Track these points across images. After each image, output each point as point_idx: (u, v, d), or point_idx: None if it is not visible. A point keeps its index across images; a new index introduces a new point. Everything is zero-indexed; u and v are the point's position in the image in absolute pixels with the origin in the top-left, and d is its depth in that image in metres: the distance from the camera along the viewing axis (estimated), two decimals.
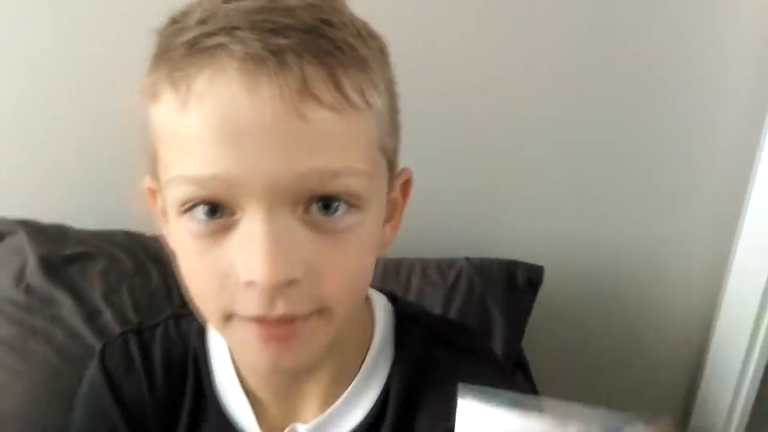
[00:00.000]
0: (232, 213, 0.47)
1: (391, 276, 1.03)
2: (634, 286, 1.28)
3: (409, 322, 0.60)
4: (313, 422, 0.57)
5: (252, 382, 0.59)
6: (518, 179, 1.19)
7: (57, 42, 1.05)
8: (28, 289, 0.93)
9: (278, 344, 0.49)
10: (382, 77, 0.49)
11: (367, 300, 0.61)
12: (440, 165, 1.14)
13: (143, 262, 0.98)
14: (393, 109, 0.52)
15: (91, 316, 0.91)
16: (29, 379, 0.87)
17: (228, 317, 0.50)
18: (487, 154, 1.17)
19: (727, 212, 1.21)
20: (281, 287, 0.46)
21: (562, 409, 0.42)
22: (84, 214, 1.05)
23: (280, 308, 0.47)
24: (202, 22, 0.46)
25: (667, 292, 1.29)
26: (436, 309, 0.99)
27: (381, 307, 0.61)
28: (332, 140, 0.46)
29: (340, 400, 0.58)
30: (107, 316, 0.91)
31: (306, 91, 0.44)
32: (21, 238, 0.97)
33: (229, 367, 0.60)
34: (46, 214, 1.03)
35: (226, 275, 0.48)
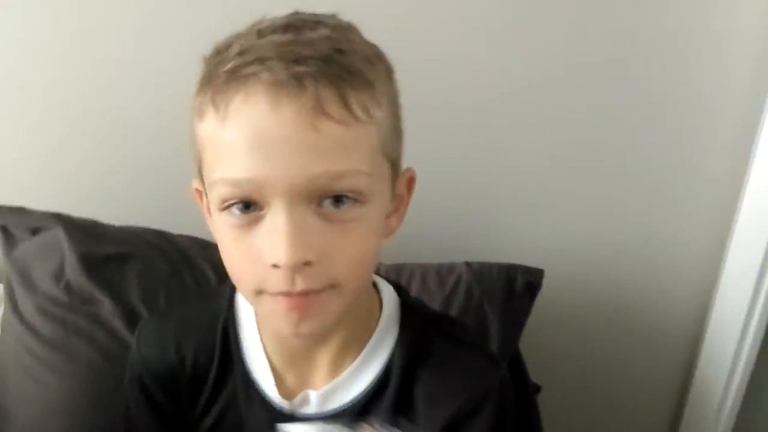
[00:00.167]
0: (261, 208, 0.58)
1: (412, 278, 1.06)
2: (632, 288, 1.30)
3: (411, 310, 0.70)
4: (323, 389, 0.66)
5: (272, 351, 0.69)
6: (520, 183, 1.21)
7: (85, 45, 1.09)
8: (68, 287, 0.94)
9: (299, 312, 0.59)
10: (386, 94, 0.59)
11: (375, 286, 0.71)
12: (444, 168, 1.17)
13: (177, 264, 1.00)
14: (396, 118, 0.62)
15: (131, 318, 0.92)
16: (73, 378, 0.91)
17: (259, 292, 0.60)
18: (488, 157, 1.19)
19: (723, 217, 1.23)
20: (299, 267, 0.57)
21: None
22: (111, 212, 1.07)
23: (300, 285, 0.58)
24: (240, 54, 0.57)
25: (663, 294, 1.31)
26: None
27: (387, 293, 0.70)
28: (339, 148, 0.56)
29: (348, 370, 0.67)
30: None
31: (319, 109, 0.55)
32: (58, 233, 0.97)
33: (255, 335, 0.71)
34: (74, 210, 1.05)
35: (257, 259, 0.58)
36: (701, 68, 1.14)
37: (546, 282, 1.09)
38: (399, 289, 0.72)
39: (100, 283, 0.95)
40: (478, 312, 1.03)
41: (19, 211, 1.01)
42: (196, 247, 1.01)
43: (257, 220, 0.58)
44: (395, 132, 0.60)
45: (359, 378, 0.67)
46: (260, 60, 0.55)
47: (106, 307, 0.94)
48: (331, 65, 0.55)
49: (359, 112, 0.56)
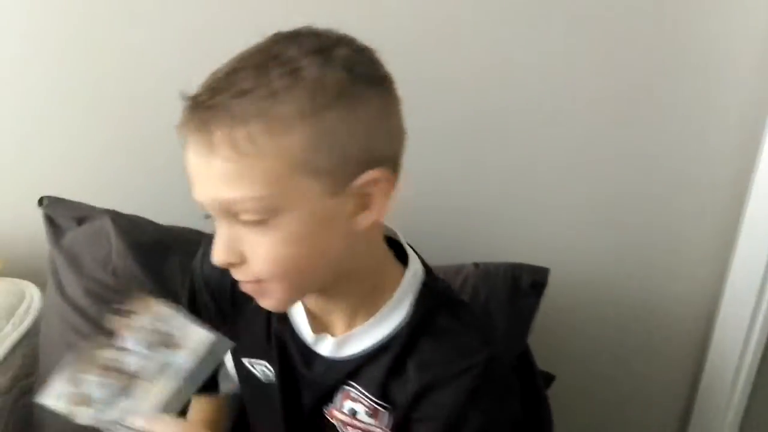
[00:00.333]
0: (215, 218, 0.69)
1: None
2: (639, 287, 1.34)
3: (429, 289, 0.77)
4: (339, 337, 0.77)
5: (307, 302, 0.80)
6: (529, 186, 1.26)
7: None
8: (116, 272, 1.02)
9: (254, 295, 0.72)
10: (291, 125, 0.63)
11: (398, 268, 0.77)
12: (455, 172, 1.23)
13: None
14: (327, 136, 0.65)
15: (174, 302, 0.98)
16: None
17: None
18: (500, 160, 1.24)
19: (728, 216, 1.26)
20: (230, 266, 0.69)
21: None
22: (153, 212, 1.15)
23: (238, 277, 0.70)
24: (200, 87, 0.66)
25: (671, 293, 1.34)
26: None
27: (411, 272, 0.77)
28: (229, 179, 0.64)
29: (357, 329, 0.76)
30: None
31: (212, 148, 0.64)
32: (105, 223, 1.05)
33: None
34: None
35: None
36: (705, 75, 1.16)
37: (555, 282, 1.11)
38: (429, 272, 0.79)
39: (146, 270, 1.03)
40: (488, 312, 1.08)
41: (63, 202, 1.11)
42: None
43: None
44: (325, 148, 0.65)
45: (366, 338, 0.75)
46: (192, 100, 0.66)
47: (151, 291, 0.98)
48: (232, 106, 0.63)
49: (248, 149, 0.63)
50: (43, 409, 0.72)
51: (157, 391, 0.68)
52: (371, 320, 0.75)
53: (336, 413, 0.78)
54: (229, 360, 0.89)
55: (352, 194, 0.67)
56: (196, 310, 0.87)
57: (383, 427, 0.76)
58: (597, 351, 1.39)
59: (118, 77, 1.18)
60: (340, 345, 0.77)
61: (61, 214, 1.10)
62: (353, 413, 0.77)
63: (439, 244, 1.14)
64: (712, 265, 1.31)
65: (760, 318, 1.26)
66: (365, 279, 0.75)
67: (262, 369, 0.84)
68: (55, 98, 1.21)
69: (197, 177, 0.67)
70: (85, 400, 0.71)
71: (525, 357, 1.10)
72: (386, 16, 1.14)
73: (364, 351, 0.76)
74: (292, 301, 0.77)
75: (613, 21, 1.15)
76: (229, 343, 0.72)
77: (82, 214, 1.09)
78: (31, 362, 1.15)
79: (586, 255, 1.32)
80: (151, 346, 0.72)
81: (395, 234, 0.80)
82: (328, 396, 0.78)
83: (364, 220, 0.69)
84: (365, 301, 0.76)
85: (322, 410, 0.79)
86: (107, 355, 0.73)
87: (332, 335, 0.78)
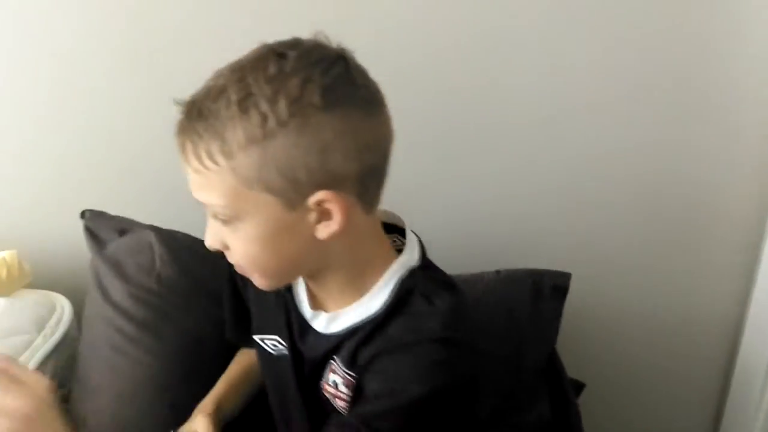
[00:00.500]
0: None
1: None
2: (666, 294, 1.36)
3: (411, 278, 0.80)
4: (330, 314, 0.82)
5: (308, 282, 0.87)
6: (556, 194, 1.28)
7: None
8: (160, 279, 1.09)
9: (244, 275, 0.81)
10: (243, 147, 0.70)
11: (393, 256, 0.82)
12: (478, 181, 1.25)
13: None
14: (268, 162, 0.71)
15: (218, 304, 1.03)
16: (163, 356, 1.06)
17: None
18: (525, 170, 1.27)
19: (753, 216, 1.28)
20: (218, 251, 0.79)
21: None
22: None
23: (229, 260, 0.80)
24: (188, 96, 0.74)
25: (698, 299, 1.36)
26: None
27: (403, 259, 0.81)
28: (199, 186, 0.74)
29: (346, 308, 0.81)
30: None
31: (185, 159, 0.73)
32: (147, 234, 1.12)
33: None
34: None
35: None
36: (737, 86, 1.20)
37: (580, 290, 1.12)
38: (423, 260, 0.83)
39: (187, 275, 1.10)
40: (509, 317, 1.09)
41: (104, 215, 1.16)
42: None
43: None
44: (274, 170, 0.71)
45: (351, 316, 0.81)
46: (180, 106, 0.74)
47: (195, 295, 1.09)
48: (200, 123, 0.71)
49: (208, 163, 0.71)
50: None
51: None
52: (358, 301, 0.80)
53: (326, 386, 0.84)
54: None
55: (311, 208, 0.73)
56: (238, 294, 0.98)
57: None
58: (625, 357, 1.41)
59: (155, 96, 1.19)
60: (330, 321, 0.82)
61: (102, 227, 1.15)
62: (335, 385, 0.83)
63: (462, 252, 1.18)
64: (739, 269, 1.32)
65: None
66: (350, 268, 0.81)
67: (273, 343, 0.90)
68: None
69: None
70: None
71: (552, 362, 1.11)
72: (395, 23, 1.17)
73: (347, 328, 0.81)
74: (275, 285, 0.83)
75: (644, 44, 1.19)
76: None
77: (123, 226, 1.15)
78: (63, 374, 1.15)
79: (610, 263, 1.33)
80: None
81: (401, 222, 0.86)
82: (320, 369, 0.84)
83: (327, 229, 0.74)
84: (355, 284, 0.81)
85: (319, 384, 0.84)
86: None
87: (326, 312, 0.83)
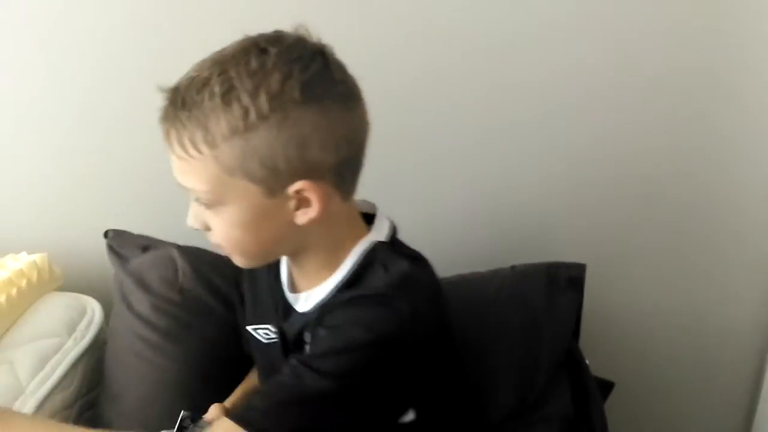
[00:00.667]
0: None
1: (462, 293, 1.11)
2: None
3: (373, 253, 0.83)
4: (305, 293, 0.87)
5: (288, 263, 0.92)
6: (571, 192, 1.28)
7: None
8: (182, 291, 1.12)
9: (224, 253, 0.84)
10: (225, 138, 0.74)
11: (356, 240, 0.85)
12: (496, 180, 1.26)
13: None
14: (261, 148, 0.75)
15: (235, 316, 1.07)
16: (185, 361, 1.11)
17: None
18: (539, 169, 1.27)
19: None
20: (198, 230, 0.82)
21: None
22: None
23: (209, 240, 0.83)
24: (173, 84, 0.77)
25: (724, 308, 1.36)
26: (479, 320, 1.09)
27: (368, 239, 0.85)
28: (182, 172, 0.78)
29: (318, 287, 0.85)
30: None
31: (169, 146, 0.77)
32: (170, 250, 1.16)
33: None
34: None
35: None
36: (747, 115, 1.21)
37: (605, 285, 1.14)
38: (392, 238, 0.87)
39: (209, 289, 1.13)
40: (526, 311, 1.09)
41: (126, 234, 1.20)
42: None
43: None
44: (256, 160, 0.75)
45: (320, 292, 0.85)
46: (165, 93, 0.77)
47: (217, 309, 1.12)
48: (182, 112, 0.74)
49: (192, 151, 0.75)
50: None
51: None
52: (328, 279, 0.84)
53: None
54: None
55: (290, 196, 0.77)
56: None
57: None
58: (655, 358, 1.40)
59: None
60: (305, 300, 0.86)
61: (125, 245, 1.19)
62: None
63: (479, 251, 1.23)
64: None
65: None
66: (326, 250, 0.84)
67: (265, 332, 0.93)
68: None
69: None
70: None
71: (572, 355, 1.11)
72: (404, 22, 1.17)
73: (316, 304, 0.85)
74: (254, 265, 0.88)
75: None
76: None
77: (146, 243, 1.18)
78: (93, 377, 1.17)
79: (635, 261, 1.33)
80: None
81: (374, 209, 0.89)
82: (298, 348, 0.86)
83: (305, 216, 0.79)
84: (330, 265, 0.84)
85: None
86: None
87: (304, 291, 0.88)
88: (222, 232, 0.80)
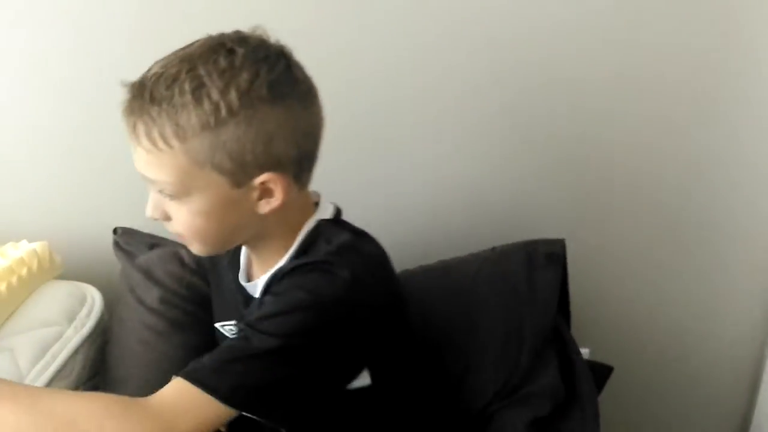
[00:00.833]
0: None
1: (439, 280, 1.17)
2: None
3: (316, 231, 0.89)
4: (261, 278, 0.90)
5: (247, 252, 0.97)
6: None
7: None
8: (189, 286, 1.17)
9: (182, 242, 0.90)
10: (196, 132, 0.78)
11: (303, 224, 0.90)
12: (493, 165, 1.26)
13: None
14: (230, 143, 0.79)
15: None
16: (189, 349, 1.12)
17: None
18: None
19: None
20: (158, 220, 0.87)
21: None
22: None
23: (168, 229, 0.88)
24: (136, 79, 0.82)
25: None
26: (460, 303, 1.13)
27: (311, 222, 0.90)
28: (148, 164, 0.81)
29: (270, 271, 0.89)
30: None
31: (136, 139, 0.80)
32: (177, 247, 1.18)
33: None
34: None
35: None
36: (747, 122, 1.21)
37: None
38: (336, 217, 0.93)
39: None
40: (507, 290, 1.11)
41: (134, 232, 1.23)
42: None
43: None
44: (225, 153, 0.79)
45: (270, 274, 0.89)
46: (128, 87, 0.81)
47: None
48: (150, 106, 0.78)
49: (161, 145, 0.79)
50: None
51: None
52: (281, 261, 0.89)
53: None
54: None
55: (255, 187, 0.82)
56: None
57: None
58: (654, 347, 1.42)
59: None
60: (260, 286, 0.91)
61: (132, 242, 1.22)
62: None
63: (465, 237, 1.23)
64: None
65: None
66: (281, 236, 0.89)
67: (230, 328, 0.98)
68: None
69: (133, 153, 0.83)
70: None
71: (559, 336, 1.12)
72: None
73: (266, 284, 0.90)
74: (212, 253, 0.92)
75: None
76: None
77: (153, 242, 1.22)
78: (94, 365, 1.18)
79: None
80: None
81: (318, 197, 0.94)
82: None
83: (268, 206, 0.84)
84: (284, 249, 0.89)
85: None
86: None
87: (260, 278, 0.92)
88: (185, 221, 0.84)
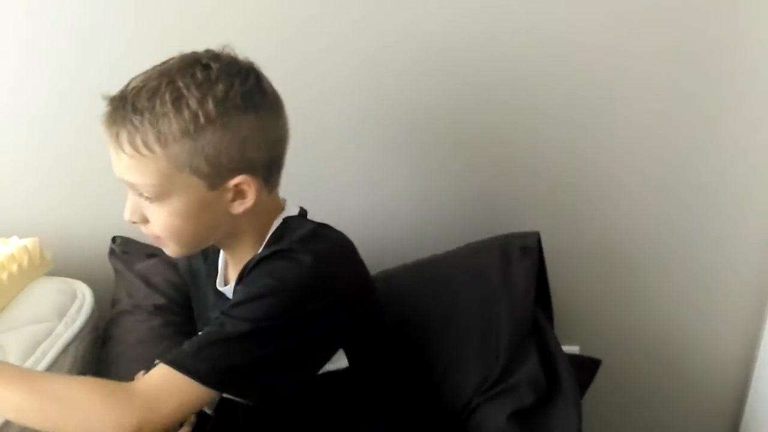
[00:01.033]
0: None
1: (421, 277, 1.19)
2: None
3: (287, 226, 0.96)
4: (234, 281, 0.95)
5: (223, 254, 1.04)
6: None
7: None
8: (186, 295, 1.20)
9: (157, 245, 0.96)
10: (176, 138, 0.85)
11: (272, 223, 0.97)
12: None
13: None
14: (207, 149, 0.87)
15: None
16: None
17: None
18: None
19: None
20: (136, 224, 0.93)
21: None
22: None
23: (144, 232, 0.94)
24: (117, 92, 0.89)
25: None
26: (438, 300, 1.15)
27: (279, 220, 0.97)
28: (130, 169, 0.88)
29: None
30: None
31: (119, 147, 0.87)
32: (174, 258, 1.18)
33: None
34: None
35: None
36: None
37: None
38: (302, 213, 1.00)
39: None
40: (483, 285, 1.13)
41: (133, 242, 1.27)
42: None
43: None
44: (202, 157, 0.87)
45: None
46: (109, 101, 0.88)
47: None
48: (132, 115, 0.85)
49: (144, 150, 0.86)
50: None
51: None
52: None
53: None
54: None
55: (229, 189, 0.90)
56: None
57: None
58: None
59: None
60: (234, 286, 0.96)
61: (131, 250, 1.26)
62: None
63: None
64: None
65: None
66: (252, 236, 0.96)
67: None
68: None
69: (112, 160, 0.90)
70: None
71: (537, 327, 1.13)
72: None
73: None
74: (187, 253, 0.98)
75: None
76: None
77: (151, 251, 1.24)
78: (84, 362, 1.18)
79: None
80: None
81: (284, 202, 1.00)
82: None
83: (241, 206, 0.92)
84: (254, 247, 0.96)
85: None
86: None
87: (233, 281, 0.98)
88: (163, 222, 0.91)
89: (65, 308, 1.18)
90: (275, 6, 1.18)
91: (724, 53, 1.20)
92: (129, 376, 1.09)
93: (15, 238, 1.21)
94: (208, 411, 1.04)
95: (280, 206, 0.98)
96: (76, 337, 1.15)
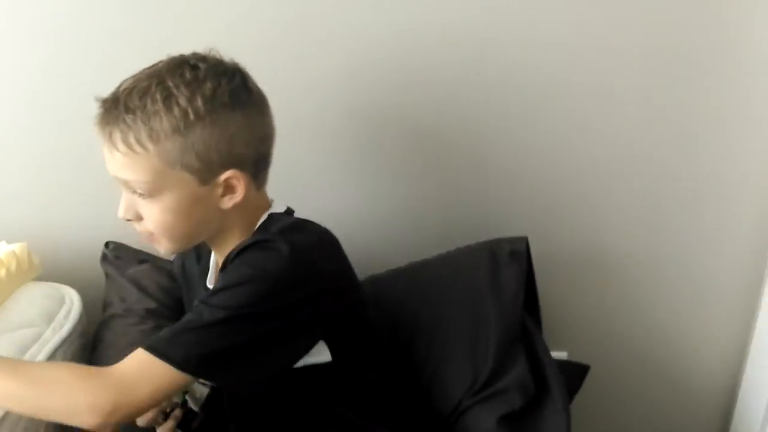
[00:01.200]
0: None
1: (411, 281, 1.20)
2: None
3: (269, 221, 0.98)
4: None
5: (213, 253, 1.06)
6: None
7: None
8: (178, 300, 1.23)
9: (150, 243, 0.98)
10: (168, 135, 0.88)
11: (256, 220, 0.99)
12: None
13: None
14: (199, 146, 0.90)
15: None
16: None
17: None
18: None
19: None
20: (129, 221, 0.95)
21: None
22: None
23: (137, 230, 0.97)
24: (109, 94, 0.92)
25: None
26: (427, 304, 1.16)
27: (265, 216, 0.99)
28: (125, 166, 0.90)
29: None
30: None
31: (112, 146, 0.90)
32: (166, 263, 1.24)
33: None
34: None
35: None
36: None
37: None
38: (287, 211, 1.02)
39: None
40: (472, 289, 1.14)
41: (125, 247, 1.29)
42: None
43: None
44: (193, 153, 0.90)
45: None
46: (101, 102, 0.91)
47: None
48: (125, 115, 0.88)
49: (137, 148, 0.89)
50: None
51: None
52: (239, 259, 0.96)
53: None
54: None
55: (219, 184, 0.93)
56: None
57: None
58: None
59: None
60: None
61: (123, 255, 1.28)
62: None
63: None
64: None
65: None
66: (241, 232, 0.98)
67: None
68: None
69: (106, 159, 0.92)
70: None
71: (525, 333, 1.14)
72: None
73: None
74: (179, 249, 1.01)
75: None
76: None
77: (143, 257, 1.28)
78: None
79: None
80: None
81: (272, 200, 1.02)
82: None
83: (230, 201, 0.95)
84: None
85: None
86: None
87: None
88: (156, 218, 0.93)
89: (53, 313, 1.17)
90: (261, 7, 1.19)
91: (717, 55, 1.21)
92: None
93: (3, 243, 1.21)
94: (194, 407, 1.05)
95: (267, 204, 1.01)
96: (64, 342, 1.14)
